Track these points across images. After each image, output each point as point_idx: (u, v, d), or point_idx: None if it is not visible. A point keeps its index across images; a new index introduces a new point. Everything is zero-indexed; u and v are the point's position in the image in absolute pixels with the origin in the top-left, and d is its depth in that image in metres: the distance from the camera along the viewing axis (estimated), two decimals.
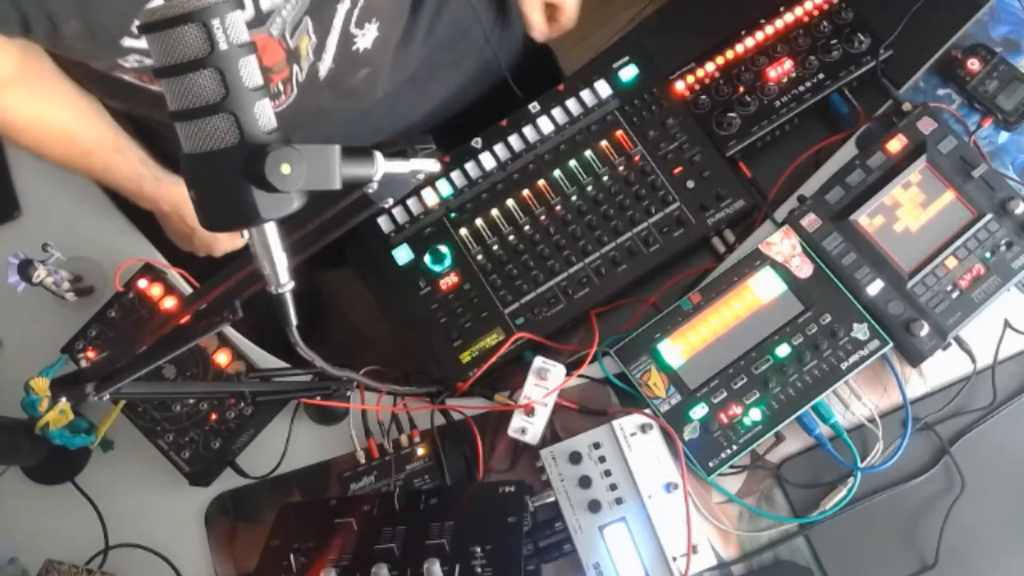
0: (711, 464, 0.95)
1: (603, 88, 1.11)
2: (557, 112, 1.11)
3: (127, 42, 0.78)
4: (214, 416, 1.05)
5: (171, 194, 1.05)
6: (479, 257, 1.07)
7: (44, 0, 0.71)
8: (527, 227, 1.07)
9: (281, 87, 0.92)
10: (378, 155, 0.59)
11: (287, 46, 0.87)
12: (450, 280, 1.07)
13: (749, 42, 1.11)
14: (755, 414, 0.95)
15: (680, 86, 1.11)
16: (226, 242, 1.14)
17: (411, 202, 1.10)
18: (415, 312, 1.07)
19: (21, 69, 0.85)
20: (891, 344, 0.95)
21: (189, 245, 1.14)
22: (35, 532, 1.10)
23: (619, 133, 1.09)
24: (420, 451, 1.02)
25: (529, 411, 0.99)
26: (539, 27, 1.16)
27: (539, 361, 1.00)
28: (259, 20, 0.82)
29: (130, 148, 1.01)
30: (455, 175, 1.10)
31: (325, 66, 0.93)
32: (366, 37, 0.94)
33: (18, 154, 1.23)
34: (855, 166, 1.01)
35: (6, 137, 0.96)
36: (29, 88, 0.89)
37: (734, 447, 0.95)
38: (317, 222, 0.65)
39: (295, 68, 0.91)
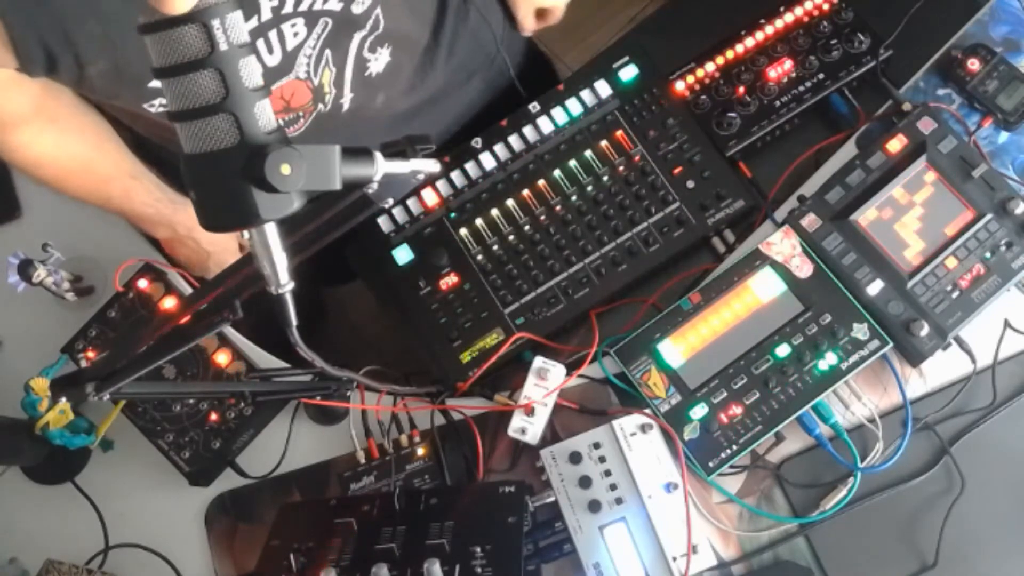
0: (711, 464, 0.95)
1: (603, 88, 1.11)
2: (557, 112, 1.11)
3: (154, 84, 0.78)
4: (214, 416, 1.05)
5: (187, 217, 1.06)
6: (479, 257, 1.07)
7: (74, 41, 0.70)
8: (527, 227, 1.08)
9: (301, 114, 0.92)
10: (378, 155, 0.59)
11: (312, 85, 0.87)
12: (450, 280, 1.07)
13: (749, 42, 1.11)
14: (755, 414, 0.95)
15: (680, 86, 1.11)
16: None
17: (411, 202, 1.10)
18: (415, 312, 1.07)
19: (40, 105, 0.85)
20: (891, 344, 0.95)
21: (203, 270, 1.15)
22: (35, 532, 1.10)
23: (619, 133, 1.09)
24: (420, 451, 1.02)
25: (529, 411, 0.99)
26: (531, 28, 1.19)
27: (539, 361, 1.00)
28: (287, 64, 0.83)
29: (146, 174, 1.02)
30: (455, 175, 1.10)
31: (347, 98, 0.94)
32: (378, 61, 0.94)
33: None
34: (855, 166, 1.01)
35: (26, 174, 0.95)
36: (48, 121, 0.89)
37: (734, 447, 0.95)
38: (317, 222, 0.65)
39: (319, 106, 0.92)
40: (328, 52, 0.86)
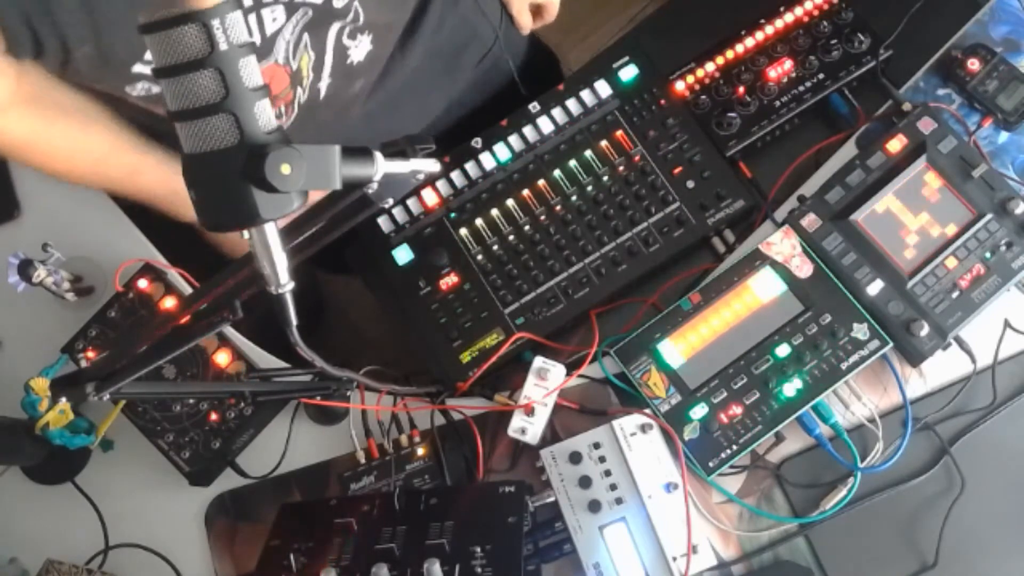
0: (711, 464, 0.95)
1: (603, 88, 1.11)
2: (557, 112, 1.11)
3: (137, 68, 0.77)
4: (214, 416, 1.05)
5: None
6: (479, 257, 1.07)
7: (60, 24, 0.70)
8: (527, 227, 1.07)
9: (283, 110, 0.91)
10: (378, 155, 0.60)
11: (291, 69, 0.87)
12: (450, 280, 1.07)
13: (749, 42, 1.11)
14: (755, 414, 0.95)
15: (680, 86, 1.11)
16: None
17: (411, 202, 1.10)
18: (415, 312, 1.07)
19: (17, 88, 0.84)
20: (891, 344, 0.95)
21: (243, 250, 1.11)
22: (35, 532, 1.10)
23: (619, 133, 1.09)
24: (420, 451, 1.02)
25: (529, 411, 0.99)
26: (527, 26, 1.19)
27: (539, 361, 1.00)
28: (266, 48, 0.82)
29: (150, 148, 0.95)
30: (455, 175, 1.10)
31: (324, 83, 0.93)
32: (359, 49, 0.94)
33: None
34: (855, 166, 1.01)
35: (13, 159, 0.93)
36: (29, 104, 0.87)
37: (734, 447, 0.95)
38: (317, 222, 0.65)
39: (298, 90, 0.91)
40: (307, 36, 0.86)
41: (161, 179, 0.96)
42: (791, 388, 0.95)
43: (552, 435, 1.01)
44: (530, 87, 1.20)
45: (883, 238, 0.99)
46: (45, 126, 0.90)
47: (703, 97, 1.09)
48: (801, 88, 1.08)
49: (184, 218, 1.01)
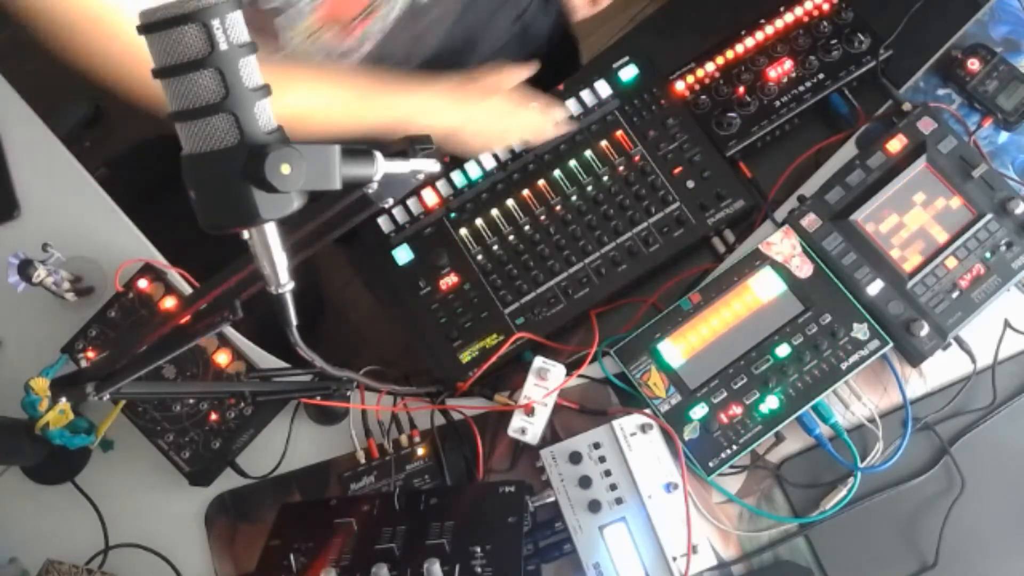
0: (711, 464, 0.95)
1: (603, 88, 1.11)
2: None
3: None
4: (214, 416, 1.05)
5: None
6: (479, 257, 1.07)
7: None
8: (527, 227, 1.07)
9: (362, 37, 0.91)
10: (378, 155, 0.60)
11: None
12: (450, 280, 1.07)
13: (749, 42, 1.11)
14: (755, 414, 0.95)
15: (680, 86, 1.11)
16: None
17: (411, 202, 1.10)
18: (415, 312, 1.07)
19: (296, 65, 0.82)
20: (891, 344, 0.95)
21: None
22: (35, 532, 1.10)
23: (619, 133, 1.09)
24: (420, 451, 1.02)
25: (529, 411, 0.99)
26: (582, 10, 1.17)
27: (539, 361, 1.00)
28: None
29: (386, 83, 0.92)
30: (455, 175, 1.10)
31: (394, 13, 0.93)
32: None
33: (18, 154, 1.23)
34: (855, 166, 1.01)
35: (300, 130, 0.90)
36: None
37: (734, 447, 0.95)
38: (317, 222, 0.65)
39: (374, 16, 0.90)
40: None
41: (404, 110, 0.94)
42: (790, 389, 0.95)
43: (552, 435, 1.01)
44: (547, 70, 1.19)
45: (883, 238, 0.99)
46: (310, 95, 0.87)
47: (703, 97, 1.09)
48: (801, 88, 1.08)
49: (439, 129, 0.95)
